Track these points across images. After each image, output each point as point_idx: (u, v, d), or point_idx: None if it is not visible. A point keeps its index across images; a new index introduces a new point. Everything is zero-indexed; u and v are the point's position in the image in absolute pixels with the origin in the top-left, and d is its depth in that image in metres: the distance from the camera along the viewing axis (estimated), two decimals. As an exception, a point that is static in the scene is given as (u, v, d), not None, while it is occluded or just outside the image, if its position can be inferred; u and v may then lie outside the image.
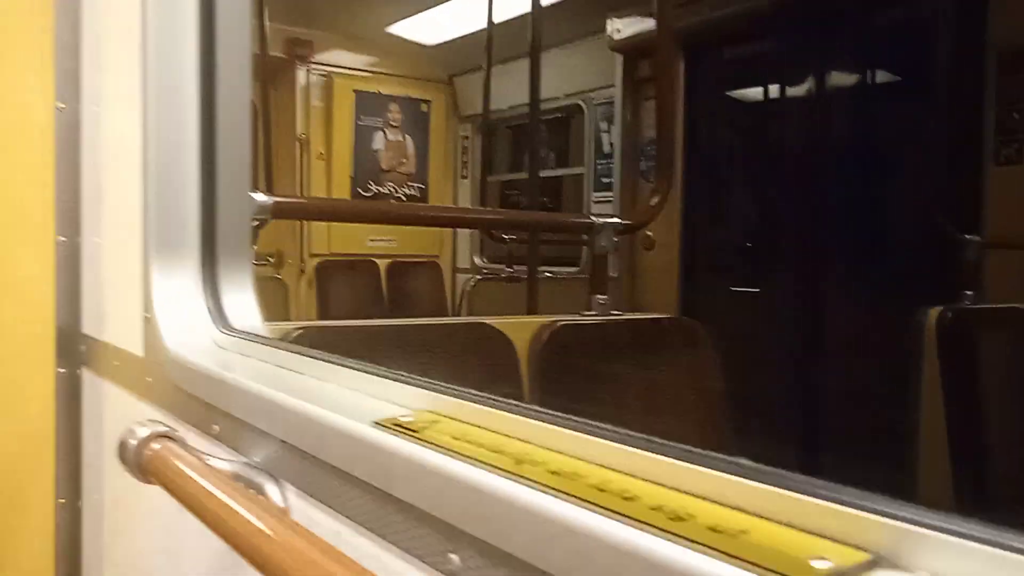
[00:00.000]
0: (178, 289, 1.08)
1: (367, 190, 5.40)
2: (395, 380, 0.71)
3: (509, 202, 5.34)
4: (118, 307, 1.26)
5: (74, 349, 1.42)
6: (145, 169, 1.10)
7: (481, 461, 0.52)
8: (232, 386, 0.85)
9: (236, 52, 1.08)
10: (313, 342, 1.07)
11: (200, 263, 1.09)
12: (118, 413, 1.27)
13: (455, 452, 0.54)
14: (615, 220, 1.91)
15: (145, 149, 1.10)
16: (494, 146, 5.10)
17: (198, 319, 1.06)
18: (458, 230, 5.48)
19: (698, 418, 1.87)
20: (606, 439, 0.49)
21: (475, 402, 0.62)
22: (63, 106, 1.40)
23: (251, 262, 1.13)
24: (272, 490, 0.75)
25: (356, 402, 0.71)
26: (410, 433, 0.58)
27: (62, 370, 1.42)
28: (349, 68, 5.28)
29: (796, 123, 3.37)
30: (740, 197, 3.69)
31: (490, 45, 4.02)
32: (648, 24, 3.98)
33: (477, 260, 5.35)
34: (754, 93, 3.71)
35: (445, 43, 5.19)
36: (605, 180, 4.30)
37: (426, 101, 5.63)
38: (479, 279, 4.63)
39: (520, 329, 1.82)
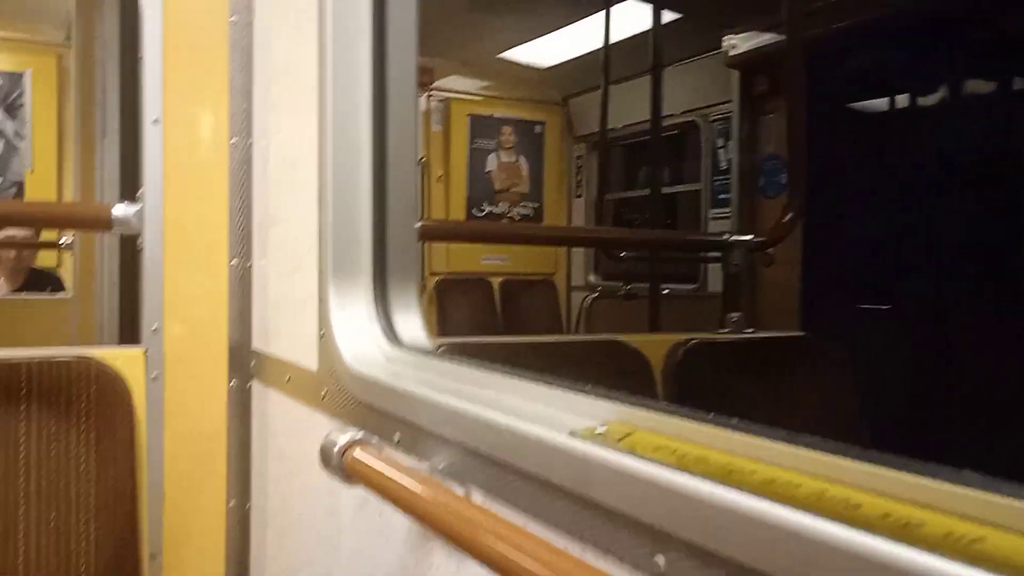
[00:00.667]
0: (351, 308, 1.16)
1: (481, 210, 5.53)
2: (581, 393, 0.75)
3: (623, 220, 5.35)
4: (290, 325, 1.36)
5: (245, 363, 1.54)
6: (321, 198, 1.19)
7: (689, 469, 0.55)
8: (416, 398, 0.92)
9: (404, 84, 1.16)
10: (457, 356, 1.13)
11: (372, 284, 1.16)
12: (289, 423, 1.37)
13: (660, 461, 0.57)
14: (748, 238, 1.91)
15: (321, 179, 1.19)
16: (609, 165, 5.13)
17: (371, 336, 1.14)
18: (574, 248, 5.53)
19: (836, 437, 1.83)
20: (819, 450, 0.52)
21: (669, 414, 0.65)
22: (235, 141, 1.53)
23: (416, 284, 1.20)
24: (461, 492, 0.81)
25: (544, 413, 0.76)
26: (610, 443, 0.62)
27: (233, 383, 1.54)
28: (465, 93, 5.44)
29: (925, 133, 3.26)
30: (867, 211, 3.58)
31: (607, 65, 4.06)
32: (764, 39, 3.94)
33: (591, 278, 5.38)
34: (879, 103, 3.61)
35: (558, 65, 5.28)
36: (722, 197, 4.26)
37: (540, 123, 5.73)
38: (596, 297, 4.66)
39: (654, 346, 1.84)
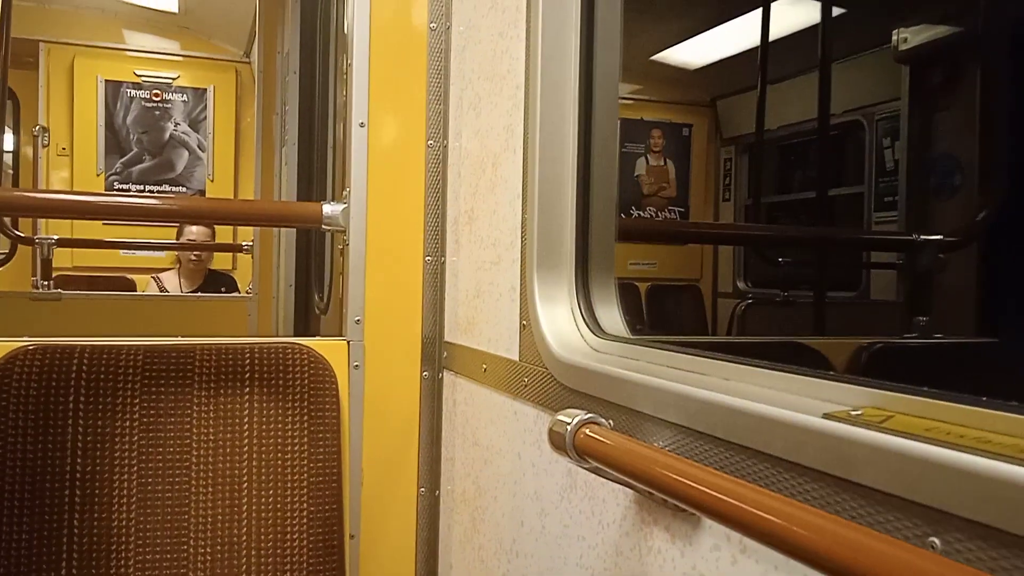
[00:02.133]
0: (554, 300, 1.20)
1: (628, 215, 5.52)
2: (822, 378, 0.75)
3: (776, 224, 5.19)
4: (486, 317, 1.42)
5: (436, 355, 1.62)
6: (525, 195, 1.24)
7: (969, 447, 0.55)
8: (635, 383, 0.94)
9: (608, 83, 1.20)
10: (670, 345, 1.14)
11: (574, 277, 1.20)
12: (485, 411, 1.43)
13: (937, 440, 0.57)
14: (939, 238, 1.83)
15: (525, 177, 1.24)
16: (761, 168, 5.00)
17: (574, 326, 1.18)
18: (719, 253, 5.43)
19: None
20: None
21: (928, 396, 0.65)
22: (432, 143, 1.61)
23: (614, 276, 1.23)
24: (689, 477, 0.82)
25: (782, 397, 0.76)
26: (876, 424, 0.62)
27: (426, 374, 1.62)
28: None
29: None
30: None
31: (764, 64, 3.97)
32: (939, 31, 3.73)
33: (740, 284, 5.26)
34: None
35: (708, 66, 5.20)
36: (888, 199, 4.06)
37: (687, 125, 5.66)
38: (750, 303, 4.55)
39: (835, 349, 1.79)
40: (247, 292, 3.93)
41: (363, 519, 1.56)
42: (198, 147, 5.07)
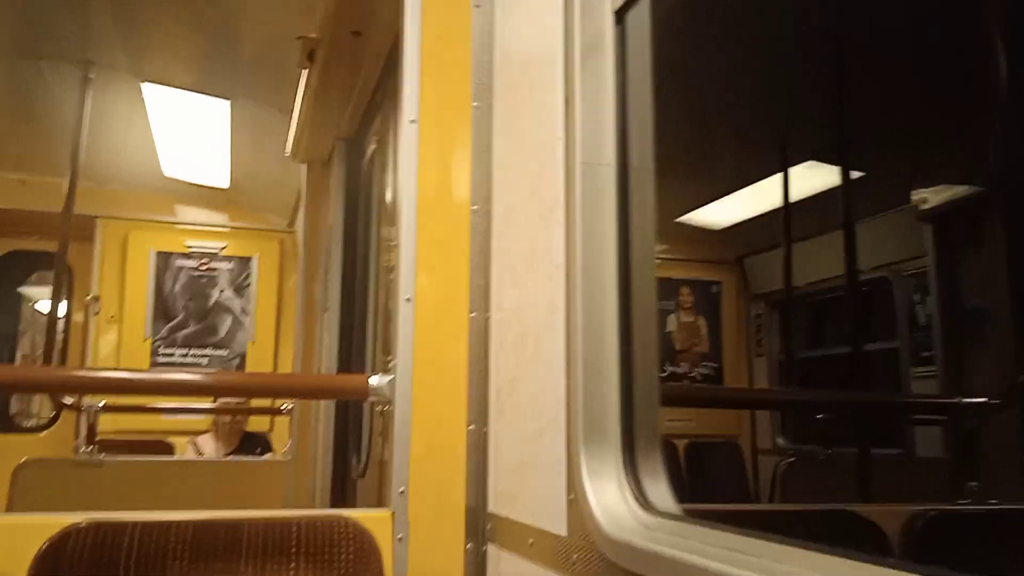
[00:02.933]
0: (601, 473, 1.21)
1: (662, 371, 5.53)
2: (870, 563, 0.75)
3: (810, 379, 5.16)
4: (532, 488, 1.42)
5: (481, 527, 1.60)
6: (569, 364, 1.28)
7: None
8: (685, 563, 0.93)
9: (645, 259, 1.26)
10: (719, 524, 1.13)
11: (621, 448, 1.22)
12: (530, 587, 1.40)
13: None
14: (983, 400, 1.82)
15: (569, 347, 1.28)
16: (793, 324, 5.04)
17: (622, 501, 1.18)
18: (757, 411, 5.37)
19: None
20: None
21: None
22: (475, 315, 1.67)
23: (661, 445, 1.24)
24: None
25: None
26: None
27: (470, 546, 1.60)
28: (644, 258, 5.60)
29: None
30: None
31: (788, 224, 4.10)
32: (959, 191, 3.85)
33: (780, 441, 5.16)
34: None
35: (733, 226, 5.36)
36: (925, 354, 4.05)
37: (716, 282, 5.77)
38: (791, 461, 4.45)
39: (888, 517, 1.75)
40: (283, 454, 3.94)
41: None
42: (241, 312, 5.24)
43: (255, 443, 4.45)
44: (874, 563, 0.76)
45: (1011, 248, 3.43)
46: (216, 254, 5.27)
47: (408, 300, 1.64)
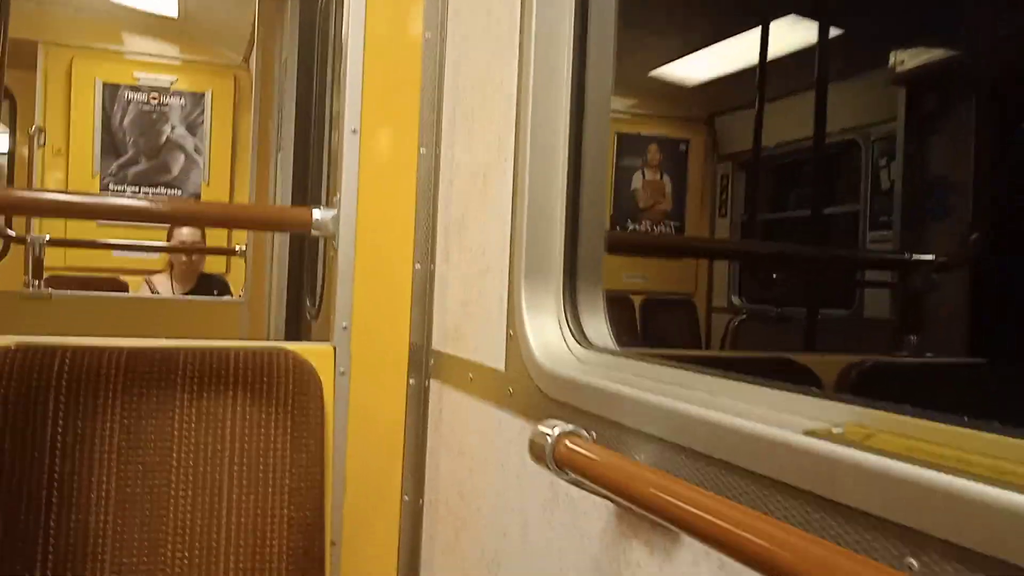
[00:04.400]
0: (541, 310, 1.20)
1: (624, 228, 5.53)
2: (808, 394, 0.75)
3: (771, 241, 5.21)
4: (473, 325, 1.41)
5: (424, 363, 1.61)
6: (515, 204, 1.24)
7: (948, 467, 0.54)
8: (617, 395, 0.93)
9: (600, 94, 1.20)
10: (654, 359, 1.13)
11: (561, 287, 1.19)
12: (470, 420, 1.42)
13: (918, 460, 0.56)
14: (930, 258, 1.83)
15: (515, 186, 1.23)
16: (759, 185, 5.02)
17: (561, 337, 1.17)
18: (714, 268, 5.44)
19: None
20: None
21: (910, 415, 0.64)
22: (424, 151, 1.61)
23: (603, 287, 1.23)
24: (671, 491, 0.81)
25: (766, 413, 0.76)
26: (856, 442, 0.62)
27: (412, 381, 1.61)
28: (613, 111, 5.47)
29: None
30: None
31: (763, 81, 3.99)
32: (936, 54, 3.76)
33: (734, 299, 5.26)
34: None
35: (706, 83, 5.22)
36: (883, 219, 4.08)
37: (684, 141, 5.68)
38: (743, 319, 4.56)
39: (826, 367, 1.79)
40: (239, 296, 3.92)
41: (345, 526, 1.55)
42: (194, 151, 5.06)
43: (212, 284, 4.41)
44: (803, 393, 0.76)
45: (979, 117, 3.39)
46: (167, 88, 5.02)
47: (354, 132, 1.57)
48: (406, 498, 1.62)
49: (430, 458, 1.61)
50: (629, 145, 5.46)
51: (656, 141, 5.57)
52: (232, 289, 4.59)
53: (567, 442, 0.85)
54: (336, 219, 1.56)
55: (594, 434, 0.99)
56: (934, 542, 0.54)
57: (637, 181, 5.51)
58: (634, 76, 5.26)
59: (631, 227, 5.47)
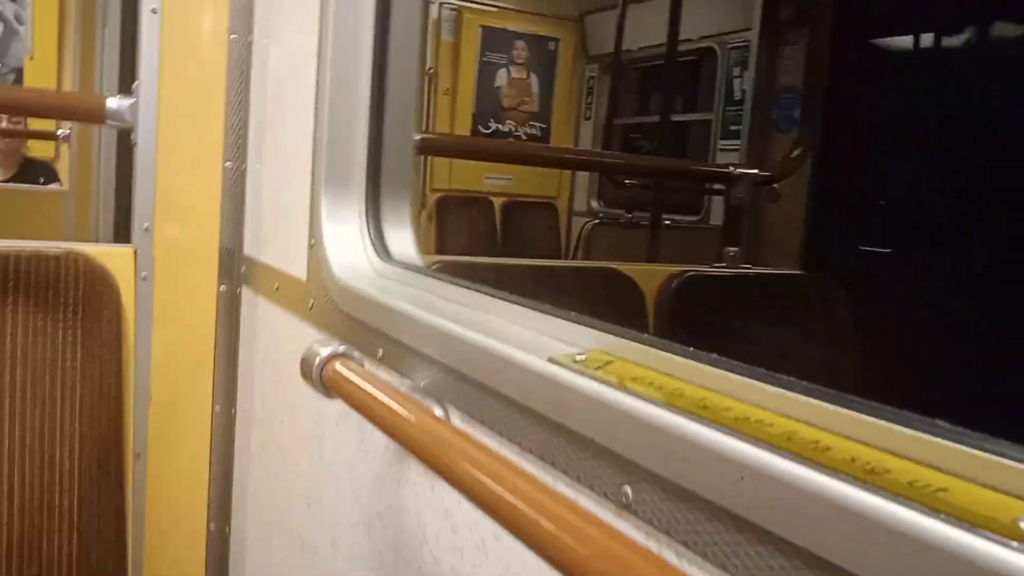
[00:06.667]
0: (343, 219, 1.15)
1: (487, 127, 5.44)
2: (565, 319, 0.74)
3: (633, 146, 5.27)
4: (281, 232, 1.35)
5: (235, 269, 1.53)
6: (317, 104, 1.16)
7: (662, 401, 0.55)
8: (401, 314, 0.91)
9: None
10: (450, 275, 1.12)
11: (364, 196, 1.14)
12: (276, 331, 1.37)
13: (634, 391, 0.57)
14: (753, 172, 1.88)
15: (319, 85, 1.15)
16: (621, 88, 5.02)
17: (361, 249, 1.13)
18: (577, 173, 5.46)
19: (830, 377, 1.84)
20: (793, 391, 0.51)
21: (651, 346, 0.65)
22: (235, 37, 1.48)
23: (410, 198, 1.18)
24: (439, 412, 0.81)
25: (525, 337, 0.75)
26: (587, 371, 0.62)
27: (223, 288, 1.53)
28: (479, 3, 5.28)
29: (951, 76, 3.17)
30: (882, 154, 3.52)
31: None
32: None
33: (594, 204, 5.34)
34: (903, 42, 3.50)
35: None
36: (734, 128, 4.18)
37: (554, 39, 5.58)
38: (596, 223, 4.63)
39: (649, 277, 1.83)
40: (65, 186, 3.62)
41: (151, 438, 1.49)
42: (15, 18, 4.54)
43: (37, 171, 4.05)
44: (563, 318, 0.76)
45: (835, 31, 3.48)
46: (-22, -55, 4.44)
47: (154, 11, 1.42)
48: (217, 408, 1.56)
49: (243, 367, 1.56)
50: (495, 40, 5.31)
51: (524, 38, 5.44)
52: (63, 177, 4.23)
53: (336, 365, 0.83)
54: (134, 109, 1.43)
55: (381, 352, 0.97)
56: (645, 472, 0.55)
57: (502, 79, 5.39)
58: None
59: (495, 127, 5.39)
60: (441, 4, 5.14)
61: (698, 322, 1.75)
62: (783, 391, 0.52)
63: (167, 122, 1.45)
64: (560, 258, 5.33)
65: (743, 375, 0.56)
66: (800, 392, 0.51)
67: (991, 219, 2.93)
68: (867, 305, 2.36)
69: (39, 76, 4.52)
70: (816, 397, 0.50)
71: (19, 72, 4.55)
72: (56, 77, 4.55)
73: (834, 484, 0.42)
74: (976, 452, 0.42)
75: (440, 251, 4.98)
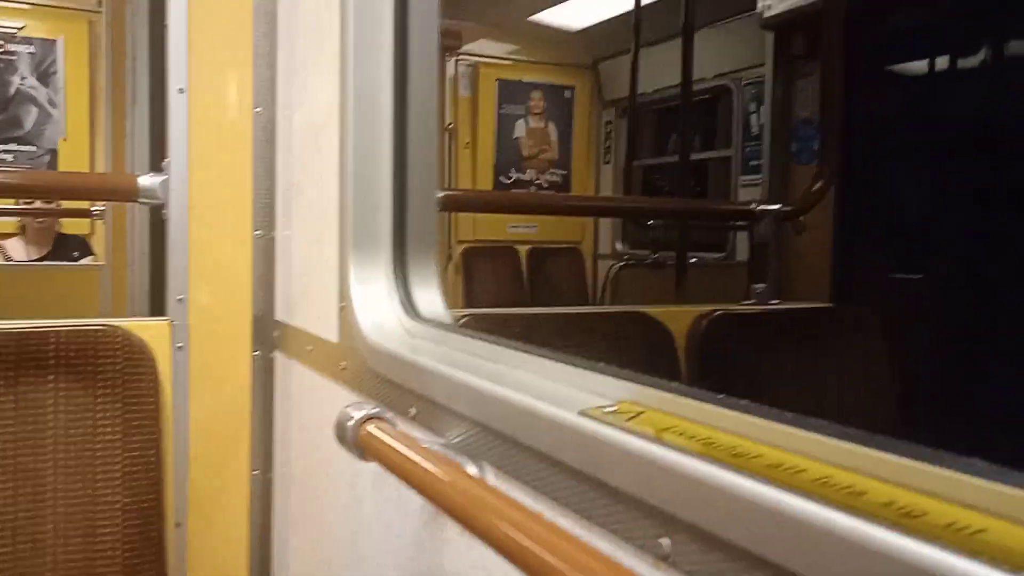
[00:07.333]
0: (371, 280, 1.17)
1: (508, 178, 5.50)
2: (593, 370, 0.75)
3: (653, 186, 5.29)
4: (312, 295, 1.37)
5: (268, 334, 1.55)
6: (341, 168, 1.19)
7: (695, 451, 0.55)
8: (431, 372, 0.92)
9: (426, 55, 1.15)
10: (479, 329, 1.13)
11: (392, 256, 1.16)
12: (310, 394, 1.38)
13: (666, 441, 0.57)
14: (776, 207, 1.88)
15: (341, 149, 1.19)
16: (638, 130, 5.06)
17: (390, 309, 1.14)
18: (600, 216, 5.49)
19: (868, 410, 1.81)
20: (826, 435, 0.51)
21: (680, 394, 0.65)
22: (260, 110, 1.53)
23: (436, 255, 1.20)
24: (472, 470, 0.81)
25: (555, 390, 0.76)
26: (618, 422, 0.62)
27: (257, 353, 1.56)
28: (494, 57, 5.38)
29: (968, 98, 3.16)
30: (906, 178, 3.50)
31: (638, 26, 3.99)
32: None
33: (618, 246, 5.34)
34: (919, 67, 3.50)
35: (589, 28, 5.19)
36: (753, 163, 4.19)
37: (569, 87, 5.66)
38: (623, 265, 4.63)
39: (677, 318, 1.83)
40: (101, 260, 3.71)
41: (191, 506, 1.50)
42: (48, 102, 4.71)
43: (72, 246, 4.15)
44: (595, 370, 0.76)
45: (847, 60, 3.49)
46: (13, 35, 4.63)
47: (181, 91, 1.47)
48: (255, 472, 1.58)
49: (279, 432, 1.57)
50: (511, 92, 5.40)
51: (540, 88, 5.52)
52: (97, 251, 4.34)
53: (370, 427, 0.83)
54: (166, 185, 1.47)
55: (414, 411, 0.97)
56: (682, 524, 0.55)
57: (520, 129, 5.47)
58: (513, 21, 5.18)
59: (515, 176, 5.45)
60: (457, 60, 5.25)
61: (729, 362, 1.73)
62: (815, 435, 0.52)
63: (197, 195, 1.49)
64: (587, 301, 5.33)
65: (774, 420, 0.56)
66: (833, 435, 0.51)
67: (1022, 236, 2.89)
68: (901, 335, 2.33)
69: (73, 156, 4.68)
70: (849, 440, 0.50)
71: (54, 153, 4.71)
72: (89, 156, 4.70)
73: (870, 530, 0.42)
74: (1017, 491, 0.42)
75: (468, 301, 5.00)
